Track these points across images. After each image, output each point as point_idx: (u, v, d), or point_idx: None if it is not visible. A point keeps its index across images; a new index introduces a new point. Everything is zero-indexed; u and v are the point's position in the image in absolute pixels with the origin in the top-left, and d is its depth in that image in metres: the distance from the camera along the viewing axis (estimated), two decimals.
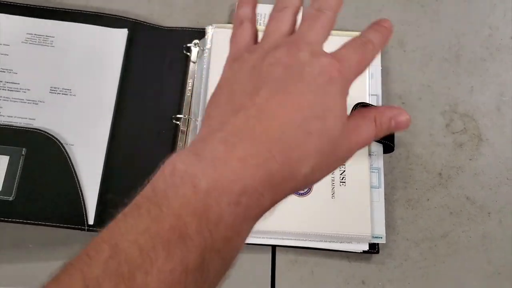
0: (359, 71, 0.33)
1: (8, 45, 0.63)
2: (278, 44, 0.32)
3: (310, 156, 0.29)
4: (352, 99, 0.60)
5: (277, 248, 0.57)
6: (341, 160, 0.33)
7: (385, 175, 0.59)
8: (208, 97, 0.59)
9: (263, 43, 0.34)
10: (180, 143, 0.61)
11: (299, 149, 0.29)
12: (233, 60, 0.34)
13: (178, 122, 0.62)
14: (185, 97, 0.63)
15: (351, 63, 0.32)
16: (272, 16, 0.35)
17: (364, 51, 0.33)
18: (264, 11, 0.67)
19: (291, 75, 0.30)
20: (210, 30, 0.65)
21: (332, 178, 0.57)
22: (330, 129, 0.30)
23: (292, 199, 0.56)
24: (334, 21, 0.34)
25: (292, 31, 0.34)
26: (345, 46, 0.33)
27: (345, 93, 0.31)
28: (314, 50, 0.32)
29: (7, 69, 0.61)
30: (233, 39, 0.36)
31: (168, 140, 0.61)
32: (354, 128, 0.32)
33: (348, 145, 0.32)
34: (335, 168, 0.33)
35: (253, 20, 0.36)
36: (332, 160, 0.31)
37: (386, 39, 0.35)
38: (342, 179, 0.57)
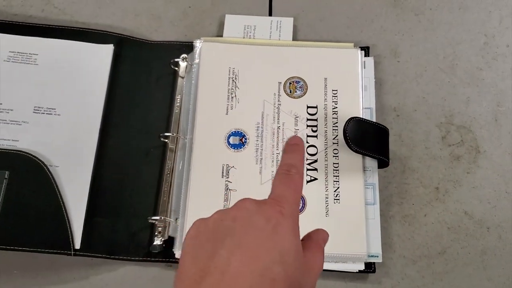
0: (297, 200, 0.35)
1: None
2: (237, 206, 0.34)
3: None
4: (346, 113, 0.58)
5: None
6: None
7: (380, 190, 0.57)
8: (198, 111, 0.58)
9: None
10: (169, 162, 0.59)
11: None
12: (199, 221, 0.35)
13: (166, 140, 0.60)
14: (174, 114, 0.61)
15: (288, 199, 0.34)
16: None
17: (291, 179, 0.35)
18: (254, 23, 0.66)
19: (242, 227, 0.31)
20: (198, 44, 0.63)
21: (326, 196, 0.55)
22: (291, 270, 0.31)
23: None
24: (299, 179, 0.36)
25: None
26: (275, 185, 0.35)
27: (296, 230, 0.33)
28: (256, 200, 0.33)
29: None
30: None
31: (157, 159, 0.60)
32: (312, 260, 0.34)
33: (311, 278, 0.34)
34: None
35: None
36: None
37: (302, 154, 0.38)
38: (336, 196, 0.56)
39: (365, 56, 0.63)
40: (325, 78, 0.61)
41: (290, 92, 0.60)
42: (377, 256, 0.54)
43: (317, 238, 0.37)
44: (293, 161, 0.37)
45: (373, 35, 0.66)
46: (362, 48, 0.63)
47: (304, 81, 0.61)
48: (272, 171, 0.57)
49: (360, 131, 0.56)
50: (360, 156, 0.57)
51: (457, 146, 0.60)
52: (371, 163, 0.57)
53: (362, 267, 0.54)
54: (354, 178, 0.56)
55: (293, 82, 0.61)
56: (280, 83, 0.61)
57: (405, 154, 0.60)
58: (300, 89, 0.61)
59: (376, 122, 0.58)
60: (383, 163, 0.57)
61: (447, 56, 0.64)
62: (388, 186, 0.58)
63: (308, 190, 0.56)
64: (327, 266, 0.53)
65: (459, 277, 0.54)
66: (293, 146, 0.39)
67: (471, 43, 0.65)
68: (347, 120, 0.56)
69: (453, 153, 0.60)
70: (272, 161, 0.57)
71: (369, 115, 0.60)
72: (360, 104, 0.60)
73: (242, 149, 0.58)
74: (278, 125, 0.59)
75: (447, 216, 0.57)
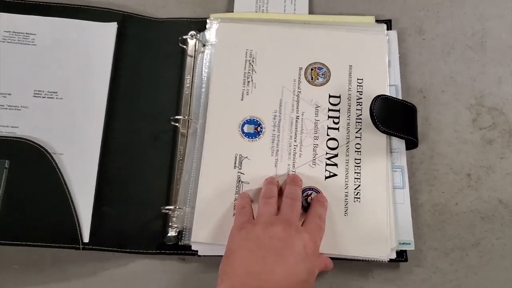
0: (322, 228, 0.48)
1: None
2: (272, 222, 0.45)
3: None
4: (372, 90, 0.54)
5: None
6: None
7: (407, 177, 0.53)
8: (211, 96, 0.54)
9: (260, 219, 0.47)
10: (180, 147, 0.55)
11: None
12: (239, 229, 0.46)
13: (177, 124, 0.56)
14: (184, 95, 0.57)
15: (320, 228, 0.48)
16: (263, 202, 0.48)
17: (317, 214, 0.49)
18: None
19: (286, 246, 0.43)
20: (213, 24, 0.59)
21: (346, 194, 0.51)
22: (313, 277, 0.45)
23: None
24: (300, 206, 0.49)
25: (277, 211, 0.48)
26: (310, 216, 0.48)
27: (318, 253, 0.46)
28: (297, 228, 0.46)
29: None
30: (238, 213, 0.49)
31: (166, 144, 0.56)
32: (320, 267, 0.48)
33: (320, 265, 0.48)
34: None
35: (250, 205, 0.50)
36: None
37: (300, 188, 0.51)
38: (356, 195, 0.51)
39: (388, 29, 0.59)
40: (350, 66, 0.56)
41: (312, 79, 0.56)
42: (409, 244, 0.50)
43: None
44: (293, 191, 0.49)
45: (395, 11, 0.61)
46: (383, 21, 0.59)
47: (328, 68, 0.56)
48: (289, 164, 0.53)
49: (387, 110, 0.52)
50: (385, 141, 0.53)
51: (489, 129, 0.56)
52: (399, 144, 0.54)
53: (394, 255, 0.50)
54: (377, 176, 0.52)
55: (315, 68, 0.56)
56: (301, 68, 0.56)
57: (433, 138, 0.56)
58: (323, 76, 0.56)
59: (403, 100, 0.54)
60: (411, 144, 0.53)
61: (476, 33, 0.60)
62: (415, 173, 0.54)
63: (326, 186, 0.52)
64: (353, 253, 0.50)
65: (495, 271, 0.51)
66: (295, 179, 0.51)
67: (501, 19, 0.60)
68: (374, 98, 0.52)
69: (485, 137, 0.56)
70: (289, 153, 0.53)
71: (395, 93, 0.56)
72: (386, 81, 0.55)
73: (257, 138, 0.54)
74: (297, 114, 0.54)
75: (480, 205, 0.53)
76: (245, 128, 0.54)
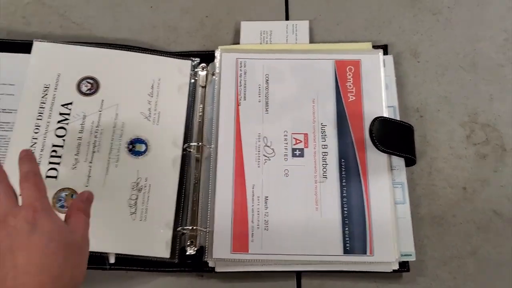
0: (42, 193, 0.44)
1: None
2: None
3: None
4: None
5: (302, 273, 0.55)
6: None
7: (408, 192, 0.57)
8: (220, 122, 0.58)
9: None
10: (195, 171, 0.59)
11: None
12: None
13: (190, 150, 0.60)
14: (195, 123, 0.62)
15: (36, 196, 0.43)
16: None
17: (30, 181, 0.44)
18: (269, 28, 0.66)
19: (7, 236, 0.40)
20: (218, 55, 0.64)
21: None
22: (60, 241, 0.41)
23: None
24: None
25: None
26: (22, 193, 0.44)
27: (51, 214, 0.42)
28: (12, 211, 0.42)
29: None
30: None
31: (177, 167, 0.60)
32: (74, 223, 0.44)
33: (78, 235, 0.43)
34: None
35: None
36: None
37: (32, 160, 0.47)
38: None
39: (384, 54, 0.63)
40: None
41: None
42: (411, 255, 0.54)
43: (74, 204, 0.46)
44: (27, 168, 0.45)
45: (391, 36, 0.66)
46: (380, 47, 0.64)
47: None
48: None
49: (385, 130, 0.56)
50: (385, 156, 0.57)
51: (483, 145, 0.60)
52: (399, 162, 0.58)
53: (396, 266, 0.54)
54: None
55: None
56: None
57: (431, 155, 0.60)
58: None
59: (400, 121, 0.59)
60: (410, 161, 0.57)
61: (467, 55, 0.64)
62: (415, 188, 0.58)
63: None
64: (359, 267, 0.54)
65: (492, 278, 0.54)
66: (23, 158, 0.47)
67: (491, 40, 0.65)
68: (372, 120, 0.56)
69: (479, 152, 0.59)
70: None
71: (393, 114, 0.60)
72: (384, 103, 0.60)
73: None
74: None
75: (476, 216, 0.57)
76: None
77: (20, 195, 0.44)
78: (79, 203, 0.46)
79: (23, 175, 0.45)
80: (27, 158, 0.47)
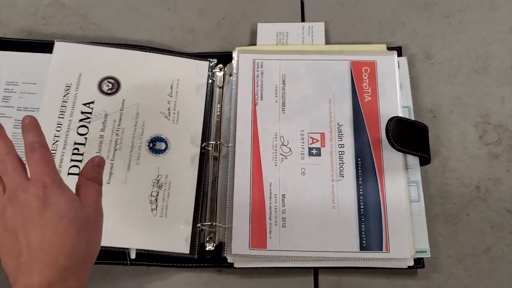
0: (51, 166, 0.43)
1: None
2: None
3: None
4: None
5: (319, 270, 0.57)
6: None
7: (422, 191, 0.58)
8: (238, 121, 0.60)
9: None
10: (214, 169, 0.60)
11: None
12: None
13: (209, 148, 0.61)
14: (213, 123, 0.63)
15: (45, 170, 0.42)
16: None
17: (38, 153, 0.43)
18: (286, 29, 0.67)
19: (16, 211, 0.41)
20: (236, 55, 0.65)
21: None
22: (75, 215, 0.41)
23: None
24: None
25: None
26: (29, 165, 0.43)
27: (62, 187, 0.42)
28: (21, 185, 0.42)
29: None
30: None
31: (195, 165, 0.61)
32: (85, 193, 0.44)
33: (90, 204, 0.43)
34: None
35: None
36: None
37: (38, 128, 0.45)
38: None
39: (398, 56, 0.64)
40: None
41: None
42: (425, 252, 0.55)
43: (85, 172, 0.45)
44: (32, 138, 0.44)
45: (405, 38, 0.67)
46: (394, 49, 0.65)
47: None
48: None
49: (401, 130, 0.58)
50: (401, 155, 0.58)
51: (495, 145, 0.61)
52: (413, 161, 0.59)
53: (411, 262, 0.55)
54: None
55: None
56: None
57: (445, 154, 0.61)
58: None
59: (415, 120, 0.60)
60: (424, 160, 0.59)
61: (480, 57, 0.65)
62: (429, 187, 0.59)
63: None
64: (375, 264, 0.55)
65: (506, 275, 0.56)
66: (27, 126, 0.45)
67: (503, 43, 0.66)
68: (389, 120, 0.57)
69: (491, 152, 0.61)
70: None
71: (408, 114, 0.61)
72: (398, 103, 0.61)
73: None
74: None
75: (490, 215, 0.58)
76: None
77: (27, 166, 0.43)
78: (90, 171, 0.45)
79: (28, 146, 0.43)
80: (32, 125, 0.45)
